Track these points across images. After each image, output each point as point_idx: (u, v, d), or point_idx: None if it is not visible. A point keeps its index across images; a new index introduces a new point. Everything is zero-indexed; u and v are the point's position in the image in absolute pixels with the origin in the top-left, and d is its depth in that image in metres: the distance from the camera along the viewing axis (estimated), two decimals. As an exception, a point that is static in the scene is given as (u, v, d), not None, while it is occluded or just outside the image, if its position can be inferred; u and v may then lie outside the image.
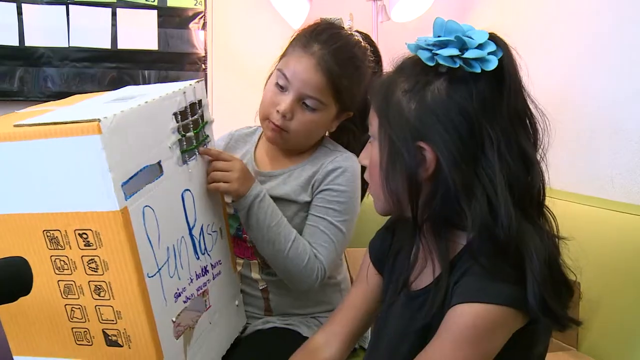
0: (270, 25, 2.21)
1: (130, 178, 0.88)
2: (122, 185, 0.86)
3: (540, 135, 0.84)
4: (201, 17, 2.19)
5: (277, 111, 1.19)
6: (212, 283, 1.12)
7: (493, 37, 0.81)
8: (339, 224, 1.22)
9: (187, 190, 1.04)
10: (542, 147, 0.84)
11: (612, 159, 1.52)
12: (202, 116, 1.10)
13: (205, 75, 2.10)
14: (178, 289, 1.00)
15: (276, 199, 1.24)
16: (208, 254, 1.11)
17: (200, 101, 1.10)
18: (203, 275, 1.09)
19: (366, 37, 1.28)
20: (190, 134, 1.05)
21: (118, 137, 0.85)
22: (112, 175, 0.84)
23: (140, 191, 0.90)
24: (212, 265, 1.12)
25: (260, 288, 1.30)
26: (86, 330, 0.95)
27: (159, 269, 0.94)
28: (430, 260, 0.84)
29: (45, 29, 2.08)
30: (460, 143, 0.79)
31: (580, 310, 1.05)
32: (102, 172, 0.84)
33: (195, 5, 2.17)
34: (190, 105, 1.06)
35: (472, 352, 0.77)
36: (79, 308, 0.93)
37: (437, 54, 0.80)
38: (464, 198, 0.80)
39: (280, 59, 1.24)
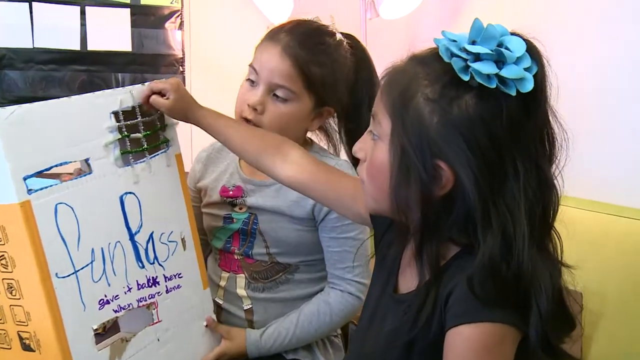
0: (252, 24, 1.99)
1: (39, 172, 0.86)
2: (24, 179, 0.84)
3: (556, 150, 0.77)
4: (178, 16, 2.08)
5: (248, 105, 1.13)
6: (165, 296, 1.05)
7: (529, 49, 0.73)
8: (360, 235, 1.19)
9: (130, 193, 1.00)
10: (557, 161, 0.77)
11: (611, 162, 1.49)
12: (160, 118, 1.06)
13: (183, 78, 2.03)
14: (105, 296, 0.94)
15: (269, 211, 1.18)
16: (160, 264, 1.05)
17: (159, 103, 1.06)
18: (150, 287, 1.03)
19: (349, 37, 1.20)
20: (138, 135, 1.01)
21: (21, 129, 0.84)
22: (10, 166, 0.82)
23: (53, 187, 0.87)
24: (165, 277, 1.06)
25: (245, 308, 1.21)
26: (5, 332, 0.92)
27: (76, 271, 0.90)
28: (418, 265, 0.79)
29: (7, 28, 1.91)
30: (485, 168, 0.72)
31: (583, 321, 0.95)
32: (1, 164, 0.82)
33: (171, 3, 2.06)
34: (140, 105, 1.02)
35: None
36: (-1, 308, 0.91)
37: (471, 67, 0.71)
38: (480, 226, 0.74)
39: None
